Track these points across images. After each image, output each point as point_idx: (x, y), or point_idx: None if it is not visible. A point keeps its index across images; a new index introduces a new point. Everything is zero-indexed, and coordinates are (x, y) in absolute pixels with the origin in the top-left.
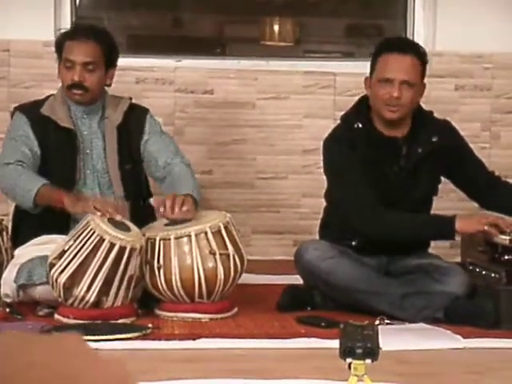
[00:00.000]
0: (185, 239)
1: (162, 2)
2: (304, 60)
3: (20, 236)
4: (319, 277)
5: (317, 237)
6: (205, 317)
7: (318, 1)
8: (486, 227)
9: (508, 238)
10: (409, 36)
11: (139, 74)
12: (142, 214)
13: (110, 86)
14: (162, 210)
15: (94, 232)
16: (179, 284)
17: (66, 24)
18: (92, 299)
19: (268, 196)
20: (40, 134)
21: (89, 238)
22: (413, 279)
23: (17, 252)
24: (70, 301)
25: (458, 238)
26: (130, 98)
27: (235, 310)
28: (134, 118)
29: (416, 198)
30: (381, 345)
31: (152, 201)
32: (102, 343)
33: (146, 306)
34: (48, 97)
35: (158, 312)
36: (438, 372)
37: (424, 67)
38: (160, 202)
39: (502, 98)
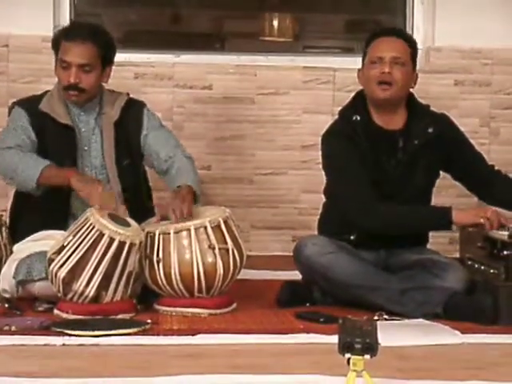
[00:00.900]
0: (184, 233)
1: None
2: (303, 55)
3: (19, 232)
4: (318, 272)
5: (316, 232)
6: (204, 312)
7: None
8: (482, 220)
9: (507, 233)
10: (408, 31)
11: (138, 70)
12: (141, 210)
13: (106, 82)
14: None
15: (93, 227)
16: (178, 278)
17: (65, 19)
18: (91, 294)
19: (267, 191)
20: (38, 129)
21: (88, 233)
22: (412, 274)
23: (16, 247)
24: (70, 295)
25: (456, 233)
26: (128, 94)
27: (234, 305)
28: (132, 113)
29: (414, 191)
30: (380, 340)
31: (156, 209)
32: (101, 338)
33: (145, 301)
34: (45, 92)
35: (157, 307)
36: (436, 367)
37: (415, 52)
38: (164, 208)
39: (501, 94)
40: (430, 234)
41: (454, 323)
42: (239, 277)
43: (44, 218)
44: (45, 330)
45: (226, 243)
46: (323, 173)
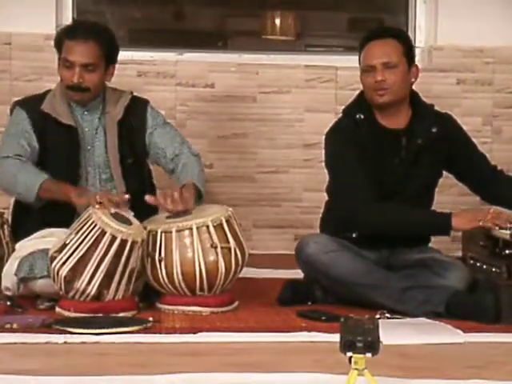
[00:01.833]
0: (186, 232)
1: None
2: (305, 54)
3: (21, 230)
4: (320, 270)
5: (318, 231)
6: (206, 310)
7: None
8: (480, 223)
9: (509, 232)
10: (410, 30)
11: (141, 68)
12: (144, 209)
13: (109, 81)
14: (162, 201)
15: (95, 225)
16: (180, 277)
17: (68, 17)
18: (93, 292)
19: (269, 190)
20: (40, 131)
21: (90, 231)
22: (413, 273)
23: (18, 245)
24: (71, 293)
25: (456, 234)
26: (131, 92)
27: (236, 303)
28: (135, 112)
29: (416, 190)
30: (381, 339)
31: (147, 198)
32: (102, 336)
33: (146, 299)
34: (47, 92)
35: (158, 305)
36: (438, 366)
37: (408, 47)
38: (161, 195)
39: (503, 93)
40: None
41: (456, 322)
42: (241, 275)
43: (47, 216)
44: (46, 328)
45: (228, 242)
46: (325, 171)
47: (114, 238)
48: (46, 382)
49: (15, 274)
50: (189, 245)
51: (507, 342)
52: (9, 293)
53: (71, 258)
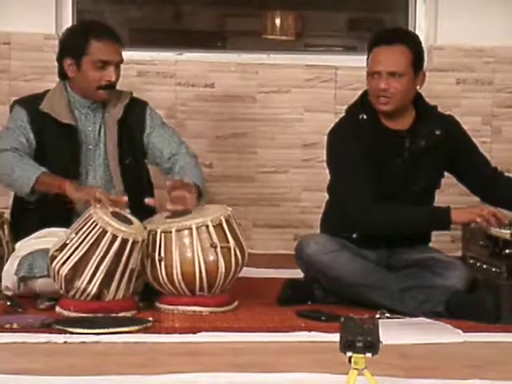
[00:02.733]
0: (186, 232)
1: None
2: (305, 53)
3: (21, 230)
4: (320, 270)
5: (318, 231)
6: (205, 310)
7: None
8: (478, 219)
9: (509, 232)
10: (410, 29)
11: (140, 68)
12: (143, 208)
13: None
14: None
15: (96, 224)
16: (180, 277)
17: (68, 17)
18: (93, 291)
19: (269, 190)
20: (38, 130)
21: (91, 230)
22: (413, 273)
23: (18, 245)
24: (72, 293)
25: (458, 231)
26: (131, 93)
27: (236, 303)
28: (135, 112)
29: (418, 191)
30: (381, 338)
31: (147, 200)
32: (102, 336)
33: (146, 299)
34: (46, 91)
35: (158, 305)
36: (438, 366)
37: (417, 55)
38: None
39: (503, 92)
40: (433, 232)
41: (456, 322)
42: (241, 275)
43: (47, 216)
44: (46, 328)
45: (227, 242)
46: (325, 171)
47: (114, 238)
48: (46, 382)
49: (15, 274)
50: (188, 245)
51: (507, 341)
52: (9, 292)
53: (72, 256)
